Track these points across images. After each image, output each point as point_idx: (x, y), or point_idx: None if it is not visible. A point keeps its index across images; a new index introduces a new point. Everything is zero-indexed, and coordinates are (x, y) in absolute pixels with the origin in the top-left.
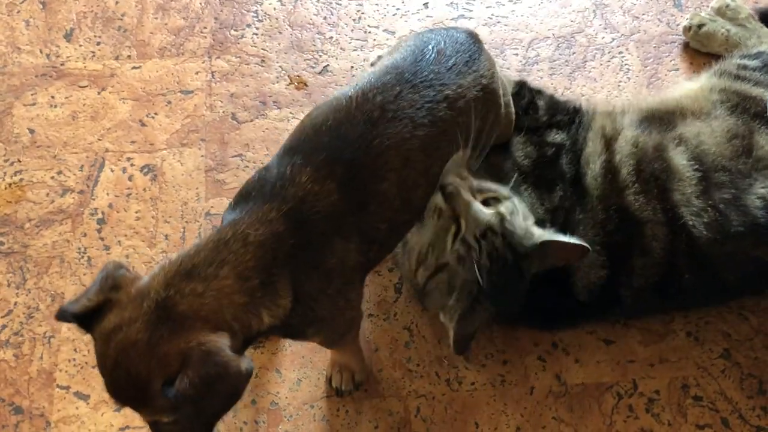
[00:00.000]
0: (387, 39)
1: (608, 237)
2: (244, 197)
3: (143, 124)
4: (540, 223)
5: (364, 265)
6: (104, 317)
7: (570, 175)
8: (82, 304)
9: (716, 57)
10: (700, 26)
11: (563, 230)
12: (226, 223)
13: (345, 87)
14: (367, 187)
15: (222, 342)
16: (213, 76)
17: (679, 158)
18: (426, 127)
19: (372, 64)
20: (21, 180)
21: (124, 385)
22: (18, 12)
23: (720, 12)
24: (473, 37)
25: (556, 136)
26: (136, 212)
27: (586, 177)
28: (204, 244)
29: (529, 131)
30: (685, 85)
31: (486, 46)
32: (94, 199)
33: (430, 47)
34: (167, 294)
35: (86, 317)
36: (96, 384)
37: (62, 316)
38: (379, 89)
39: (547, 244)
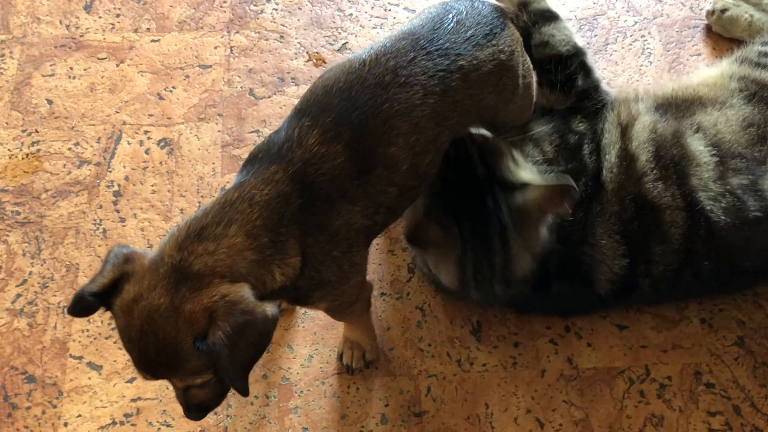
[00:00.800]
0: (407, 17)
1: (626, 226)
2: (252, 160)
3: (161, 98)
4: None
5: (369, 228)
6: (122, 290)
7: (592, 167)
8: (99, 282)
9: (739, 42)
10: (723, 11)
11: (582, 227)
12: (233, 185)
13: (361, 50)
14: (375, 150)
15: (245, 290)
16: (231, 51)
17: (697, 144)
18: (437, 95)
19: None
20: (38, 150)
21: (154, 351)
22: None
23: None
24: (498, 11)
25: (580, 125)
26: (152, 185)
27: (603, 170)
28: (211, 207)
29: (555, 115)
30: (705, 72)
31: None
32: (110, 172)
33: (450, 16)
34: (181, 256)
35: (104, 295)
36: (108, 355)
37: (80, 299)
38: (393, 54)
39: (530, 188)
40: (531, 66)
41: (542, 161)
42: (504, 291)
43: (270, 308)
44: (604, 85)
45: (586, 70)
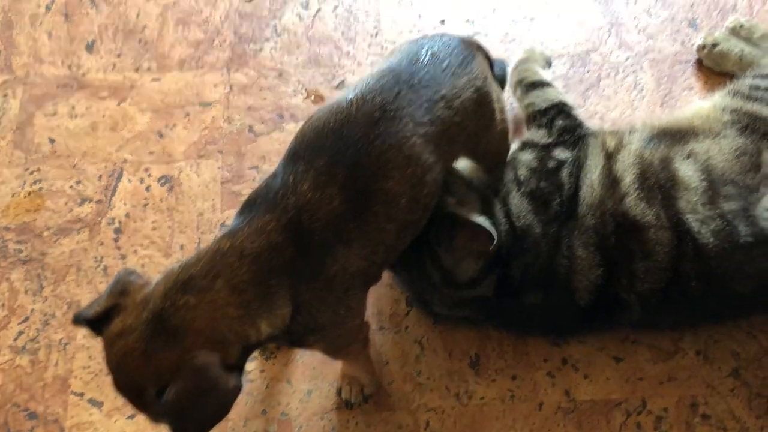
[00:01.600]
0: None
1: (603, 240)
2: (249, 204)
3: (161, 136)
4: (527, 229)
5: (367, 270)
6: (112, 321)
7: (569, 187)
8: (94, 310)
9: (730, 76)
10: (714, 45)
11: (557, 240)
12: (227, 232)
13: (344, 91)
14: (372, 187)
15: (213, 358)
16: (231, 89)
17: (686, 169)
18: (426, 125)
19: None
20: (40, 189)
21: (125, 387)
22: (41, 24)
23: (734, 32)
24: (466, 43)
25: (561, 153)
26: (153, 222)
27: (581, 188)
28: (203, 254)
29: (537, 147)
30: (698, 105)
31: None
32: (111, 209)
33: (424, 50)
34: (163, 305)
35: (98, 321)
36: (109, 392)
37: (77, 320)
38: (378, 91)
39: (452, 216)
40: (501, 93)
41: (513, 181)
42: (454, 298)
43: (234, 380)
44: (587, 123)
45: (567, 113)
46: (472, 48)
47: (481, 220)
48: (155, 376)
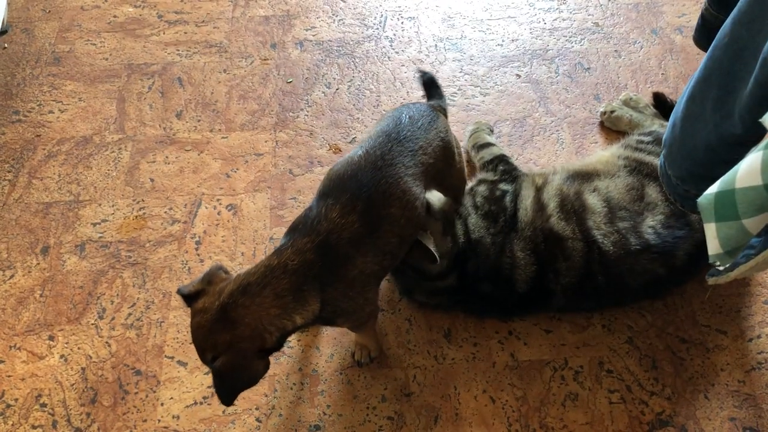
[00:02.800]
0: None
1: (536, 246)
2: (293, 229)
3: (228, 176)
4: (480, 240)
5: (378, 272)
6: (198, 299)
7: (510, 209)
8: (188, 289)
9: (623, 134)
10: (612, 112)
11: (502, 246)
12: (276, 249)
13: (355, 147)
14: (380, 213)
15: (252, 345)
16: (277, 143)
17: (593, 199)
18: (412, 167)
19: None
20: (144, 213)
21: (195, 346)
22: (145, 99)
23: (626, 102)
24: (431, 107)
25: (504, 186)
26: (222, 236)
27: (519, 210)
28: (260, 266)
29: (487, 182)
30: (600, 153)
31: (462, 125)
32: (193, 227)
33: (404, 116)
34: (228, 301)
35: (190, 297)
36: (192, 355)
37: (179, 292)
38: (377, 147)
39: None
40: (476, 142)
41: (471, 206)
42: (430, 288)
43: (262, 364)
44: (521, 167)
45: (506, 161)
46: (435, 110)
47: (431, 245)
48: (212, 348)
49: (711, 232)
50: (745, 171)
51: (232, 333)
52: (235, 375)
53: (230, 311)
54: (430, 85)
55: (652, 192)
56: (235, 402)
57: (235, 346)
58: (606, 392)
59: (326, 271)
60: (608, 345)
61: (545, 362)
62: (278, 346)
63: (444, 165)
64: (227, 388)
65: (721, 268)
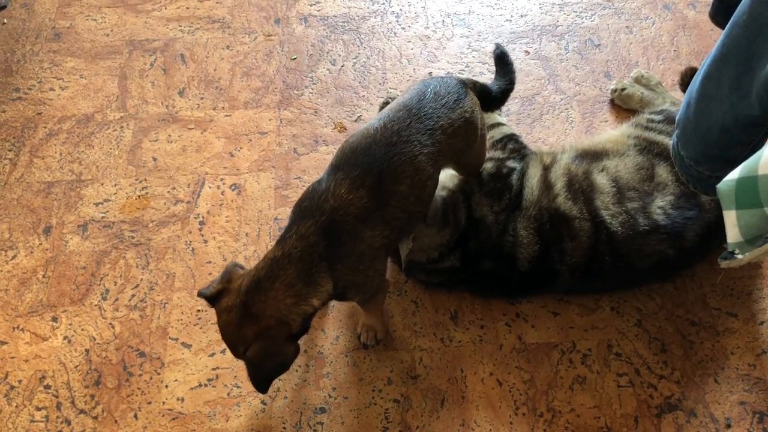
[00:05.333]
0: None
1: (541, 226)
2: (299, 204)
3: (232, 155)
4: (482, 218)
5: (387, 245)
6: (222, 299)
7: (516, 188)
8: (209, 291)
9: (634, 112)
10: (622, 90)
11: (505, 224)
12: (279, 239)
13: (372, 120)
14: (390, 190)
15: (281, 330)
16: (281, 122)
17: (601, 178)
18: (428, 146)
19: (384, 103)
20: (147, 193)
21: (226, 342)
22: (147, 76)
23: (637, 80)
24: (462, 83)
25: (512, 163)
26: (226, 217)
27: (525, 189)
28: (266, 261)
29: (495, 159)
30: (610, 133)
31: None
32: (197, 207)
33: (429, 90)
34: (246, 299)
35: (213, 298)
36: (196, 337)
37: (200, 295)
38: (396, 121)
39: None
40: (486, 122)
41: (476, 184)
42: (430, 269)
43: (292, 348)
44: (530, 146)
45: (515, 140)
46: (466, 87)
47: (404, 251)
48: (242, 341)
49: (731, 219)
50: None
51: (258, 325)
52: (267, 361)
53: (250, 307)
54: (500, 62)
55: (663, 172)
56: (240, 384)
57: (264, 335)
58: (614, 375)
59: (333, 249)
60: (617, 328)
61: (553, 345)
62: (304, 329)
63: (464, 145)
64: (261, 376)
65: (740, 256)
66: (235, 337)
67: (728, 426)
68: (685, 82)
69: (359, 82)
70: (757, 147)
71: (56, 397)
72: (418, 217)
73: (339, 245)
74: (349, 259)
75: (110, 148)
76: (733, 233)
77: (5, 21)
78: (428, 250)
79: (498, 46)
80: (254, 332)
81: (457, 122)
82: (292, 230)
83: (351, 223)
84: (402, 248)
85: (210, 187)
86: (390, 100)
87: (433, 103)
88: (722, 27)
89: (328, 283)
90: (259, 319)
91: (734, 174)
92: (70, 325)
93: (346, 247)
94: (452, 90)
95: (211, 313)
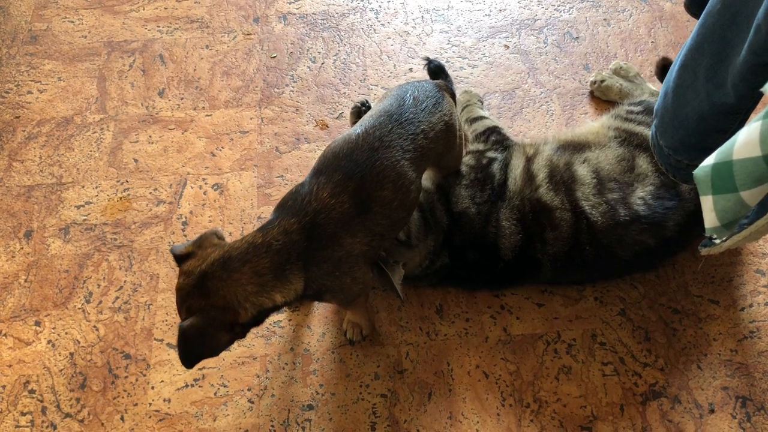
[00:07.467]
0: (383, 93)
1: (523, 216)
2: (283, 204)
3: (213, 155)
4: (464, 211)
5: (367, 252)
6: (187, 261)
7: (499, 178)
8: (180, 249)
9: (613, 104)
10: (601, 81)
11: (488, 215)
12: (262, 227)
13: (354, 126)
14: (373, 195)
15: (224, 315)
16: (262, 120)
17: (582, 170)
18: (410, 151)
19: (354, 108)
20: (128, 195)
21: (177, 307)
22: (126, 77)
23: (616, 72)
24: (438, 86)
25: (492, 154)
26: (209, 216)
27: (509, 179)
28: (244, 241)
29: (474, 152)
30: (591, 124)
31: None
32: (179, 208)
33: (408, 95)
34: (208, 270)
35: (181, 258)
36: None
37: (172, 251)
38: (377, 127)
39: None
40: (469, 116)
41: (454, 177)
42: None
43: (227, 337)
44: (512, 138)
45: (498, 132)
46: (442, 90)
47: (397, 281)
48: (186, 309)
49: (708, 204)
50: (744, 142)
51: (206, 301)
52: (197, 340)
53: (207, 280)
54: (438, 74)
55: (643, 163)
56: (227, 384)
57: (205, 313)
58: (599, 365)
59: (311, 251)
60: (601, 317)
61: (538, 336)
62: (255, 322)
63: (444, 148)
64: (187, 352)
65: (717, 241)
66: (182, 303)
67: (712, 411)
68: (661, 72)
69: (340, 79)
70: (733, 135)
71: (41, 401)
72: (400, 225)
73: (318, 248)
74: (326, 264)
75: (90, 151)
76: (710, 218)
77: None
78: (420, 265)
79: (431, 61)
80: (199, 306)
81: (437, 126)
82: (276, 222)
83: (332, 227)
84: (394, 278)
85: (192, 188)
86: (360, 105)
87: (413, 108)
88: (697, 17)
89: (299, 282)
90: (209, 295)
91: (710, 160)
92: (53, 329)
93: (325, 252)
94: (430, 94)
95: None
